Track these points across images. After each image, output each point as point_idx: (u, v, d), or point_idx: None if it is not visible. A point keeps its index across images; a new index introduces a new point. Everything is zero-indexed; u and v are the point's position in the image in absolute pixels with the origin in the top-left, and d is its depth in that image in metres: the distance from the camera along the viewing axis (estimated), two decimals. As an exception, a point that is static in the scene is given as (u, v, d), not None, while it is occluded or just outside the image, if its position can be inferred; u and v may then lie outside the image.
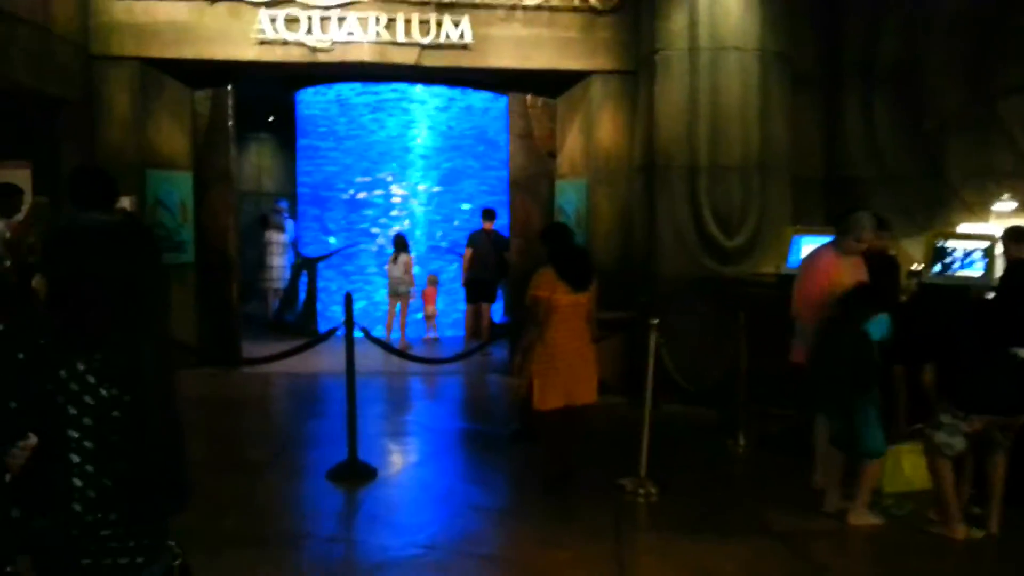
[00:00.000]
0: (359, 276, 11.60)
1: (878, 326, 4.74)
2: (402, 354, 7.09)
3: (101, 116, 8.12)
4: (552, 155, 9.10)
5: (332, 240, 11.70)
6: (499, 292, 10.63)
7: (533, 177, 9.08)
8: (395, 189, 11.43)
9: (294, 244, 12.64)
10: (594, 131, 8.52)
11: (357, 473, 5.47)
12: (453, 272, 11.73)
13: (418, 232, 11.53)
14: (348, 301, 5.72)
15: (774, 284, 6.91)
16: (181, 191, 8.83)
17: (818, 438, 5.19)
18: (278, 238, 12.37)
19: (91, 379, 1.86)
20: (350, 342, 5.74)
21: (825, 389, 4.85)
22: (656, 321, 5.72)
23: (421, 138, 11.42)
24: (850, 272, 4.96)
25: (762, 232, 7.58)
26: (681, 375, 6.67)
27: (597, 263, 8.61)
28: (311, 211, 12.12)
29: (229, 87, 8.92)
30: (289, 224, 13.22)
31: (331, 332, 6.34)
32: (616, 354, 7.83)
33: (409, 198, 11.48)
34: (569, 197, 8.88)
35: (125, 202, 8.13)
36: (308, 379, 8.67)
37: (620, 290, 8.23)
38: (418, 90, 11.34)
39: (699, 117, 7.53)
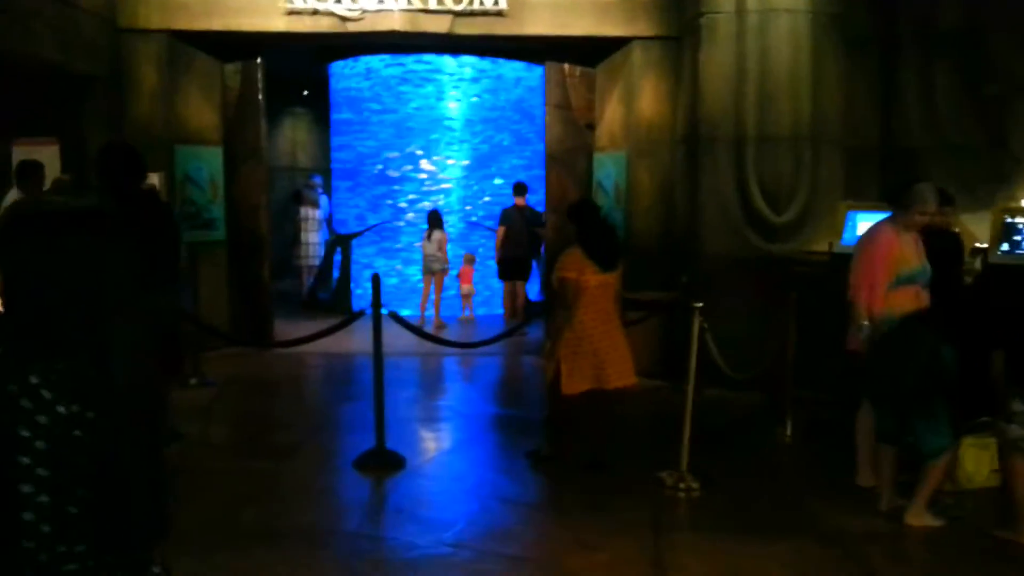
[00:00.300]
0: (394, 253, 11.41)
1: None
2: (432, 337, 6.85)
3: (129, 91, 7.96)
4: (590, 127, 8.74)
5: (370, 218, 11.51)
6: (534, 269, 10.33)
7: (570, 150, 8.73)
8: (426, 164, 11.18)
9: (328, 220, 12.47)
10: (635, 101, 8.14)
11: (385, 462, 5.27)
12: (488, 249, 11.47)
13: (453, 207, 11.28)
14: (376, 283, 5.48)
15: (826, 263, 6.51)
16: (211, 167, 8.66)
17: (860, 433, 4.85)
18: (312, 214, 12.21)
19: (47, 394, 1.62)
20: (378, 326, 5.50)
21: (882, 386, 4.49)
22: (700, 304, 5.36)
23: (453, 111, 11.13)
24: (913, 251, 4.56)
25: (813, 207, 7.15)
26: (725, 360, 6.33)
27: (636, 241, 8.30)
28: (344, 186, 11.94)
29: (259, 60, 8.69)
30: (324, 200, 13.07)
31: (359, 314, 6.08)
32: (656, 336, 7.52)
33: (439, 172, 11.22)
34: (608, 171, 8.53)
35: (154, 179, 8.01)
36: (341, 360, 8.50)
37: (661, 269, 7.91)
38: (450, 62, 11.04)
39: (747, 84, 7.11)
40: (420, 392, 7.57)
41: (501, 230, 9.59)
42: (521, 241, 9.58)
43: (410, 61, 11.09)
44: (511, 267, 9.87)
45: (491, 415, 6.96)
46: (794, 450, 5.84)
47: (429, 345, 8.52)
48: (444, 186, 11.24)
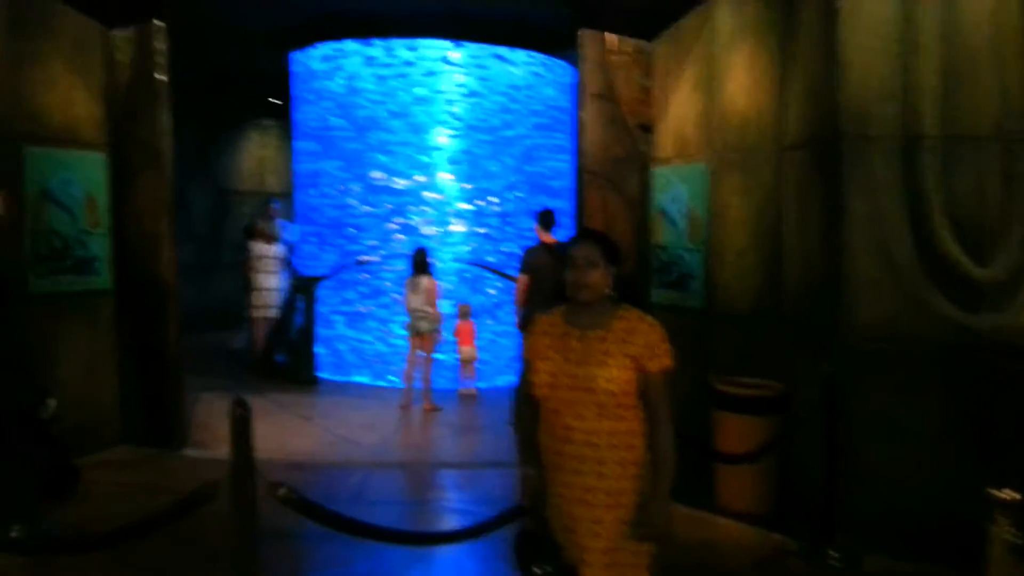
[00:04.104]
0: (373, 303, 8.60)
1: None
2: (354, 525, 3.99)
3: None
4: (645, 128, 5.92)
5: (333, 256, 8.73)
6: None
7: (616, 162, 5.91)
8: (414, 180, 8.41)
9: (288, 252, 9.64)
10: (720, 87, 5.34)
11: None
12: (498, 297, 8.64)
13: (448, 243, 8.46)
14: (239, 420, 2.63)
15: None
16: (87, 180, 5.88)
17: None
18: (269, 251, 9.37)
19: None
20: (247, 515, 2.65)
21: None
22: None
23: (449, 112, 8.39)
24: None
25: (1037, 252, 4.29)
26: (894, 505, 3.54)
27: (722, 300, 5.46)
28: (307, 213, 9.17)
29: (158, 22, 5.93)
30: (292, 230, 10.26)
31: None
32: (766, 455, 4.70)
33: (429, 191, 8.44)
34: (675, 192, 5.69)
35: (-14, 197, 5.28)
36: (286, 470, 5.60)
37: (762, 348, 5.07)
38: (454, 55, 8.36)
39: (921, 53, 4.31)
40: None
41: (523, 279, 6.66)
42: (552, 292, 6.63)
43: (398, 45, 8.39)
44: None
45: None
46: None
47: (417, 441, 5.74)
48: (439, 213, 8.45)
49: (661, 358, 2.55)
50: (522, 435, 2.75)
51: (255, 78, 11.16)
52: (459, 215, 8.47)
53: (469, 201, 8.48)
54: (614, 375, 2.50)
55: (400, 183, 8.43)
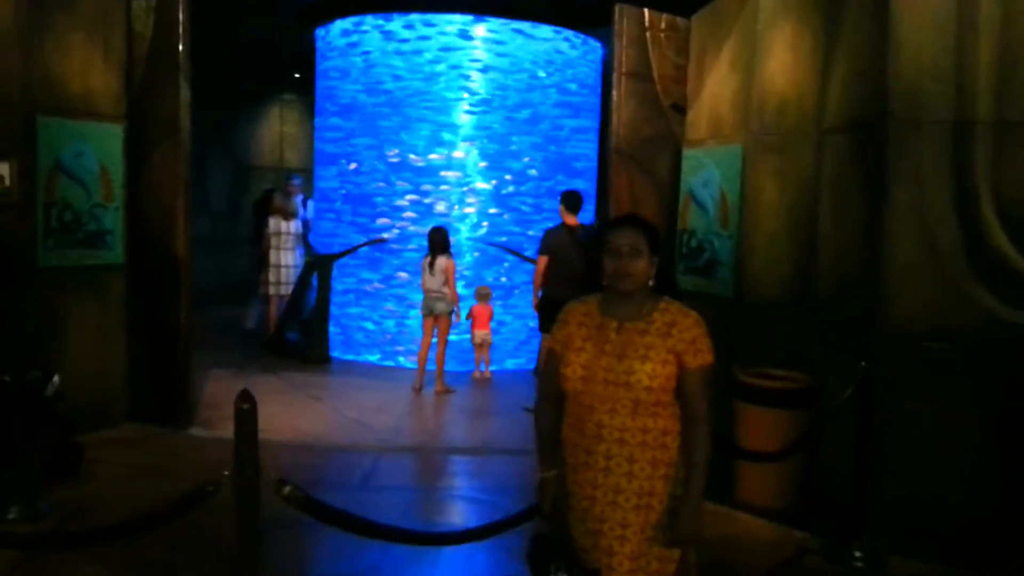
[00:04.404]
0: (387, 283, 8.45)
1: None
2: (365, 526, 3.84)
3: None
4: (678, 109, 5.70)
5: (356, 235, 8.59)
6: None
7: (647, 143, 5.70)
8: (433, 158, 8.23)
9: (305, 229, 9.51)
10: (758, 66, 5.11)
11: None
12: (517, 279, 8.47)
13: (466, 223, 8.29)
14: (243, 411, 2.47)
15: None
16: (103, 152, 5.74)
17: None
18: (287, 227, 9.23)
19: None
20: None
21: None
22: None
23: (470, 90, 8.18)
24: None
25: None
26: (930, 508, 3.37)
27: (752, 288, 5.25)
28: (327, 191, 9.03)
29: (179, -9, 5.77)
30: (309, 206, 10.13)
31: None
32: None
33: (447, 170, 8.25)
34: (707, 175, 5.47)
35: (2, 168, 5.17)
36: (294, 452, 5.50)
37: (791, 338, 4.88)
38: (478, 31, 8.15)
39: (980, 31, 4.06)
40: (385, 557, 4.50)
41: (543, 260, 6.45)
42: (574, 276, 6.41)
43: (416, 22, 8.18)
44: (558, 311, 6.65)
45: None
46: None
47: (431, 419, 5.63)
48: (457, 192, 8.26)
49: (703, 354, 2.38)
50: (543, 433, 2.57)
51: (278, 52, 11.00)
52: (476, 193, 8.28)
53: (487, 180, 8.28)
54: (656, 371, 2.33)
55: (418, 160, 8.24)
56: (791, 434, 4.41)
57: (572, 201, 6.52)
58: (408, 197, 8.29)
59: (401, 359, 8.32)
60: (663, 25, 5.63)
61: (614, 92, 5.60)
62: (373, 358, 8.50)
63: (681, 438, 2.39)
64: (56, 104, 5.43)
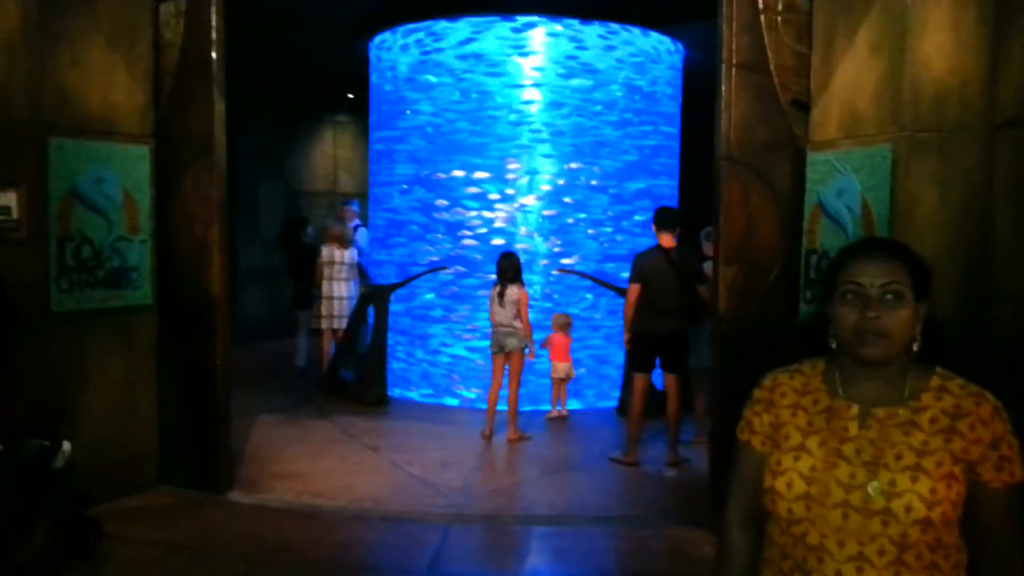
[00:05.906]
0: (443, 314, 7.61)
1: None
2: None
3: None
4: (799, 105, 4.70)
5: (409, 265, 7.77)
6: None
7: (763, 148, 4.70)
8: (494, 176, 7.38)
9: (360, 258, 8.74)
10: (909, 47, 4.07)
11: None
12: (601, 309, 7.55)
13: (539, 246, 7.39)
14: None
15: None
16: (126, 177, 5.00)
17: None
18: (341, 256, 8.46)
19: None
20: None
21: None
22: None
23: (539, 103, 7.32)
24: None
25: None
26: None
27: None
28: (382, 215, 8.25)
29: (211, -8, 5.01)
30: (362, 234, 9.36)
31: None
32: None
33: (519, 194, 7.39)
34: (843, 183, 4.45)
35: (8, 198, 4.46)
36: (350, 525, 4.63)
37: (969, 366, 3.75)
38: (539, 34, 7.30)
39: None
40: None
41: (634, 289, 5.49)
42: (669, 306, 5.44)
43: (480, 24, 7.37)
44: (653, 348, 5.59)
45: None
46: None
47: (505, 483, 4.72)
48: (527, 214, 7.38)
49: (1012, 465, 1.42)
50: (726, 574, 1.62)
51: (331, 71, 10.32)
52: (543, 215, 7.39)
53: (556, 200, 7.39)
54: (938, 492, 1.38)
55: (481, 178, 7.39)
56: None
57: (667, 218, 5.55)
58: (473, 220, 7.44)
59: (464, 394, 7.47)
60: (780, 6, 4.65)
61: (723, 87, 4.62)
62: (426, 392, 7.70)
63: None
64: (72, 123, 4.71)
